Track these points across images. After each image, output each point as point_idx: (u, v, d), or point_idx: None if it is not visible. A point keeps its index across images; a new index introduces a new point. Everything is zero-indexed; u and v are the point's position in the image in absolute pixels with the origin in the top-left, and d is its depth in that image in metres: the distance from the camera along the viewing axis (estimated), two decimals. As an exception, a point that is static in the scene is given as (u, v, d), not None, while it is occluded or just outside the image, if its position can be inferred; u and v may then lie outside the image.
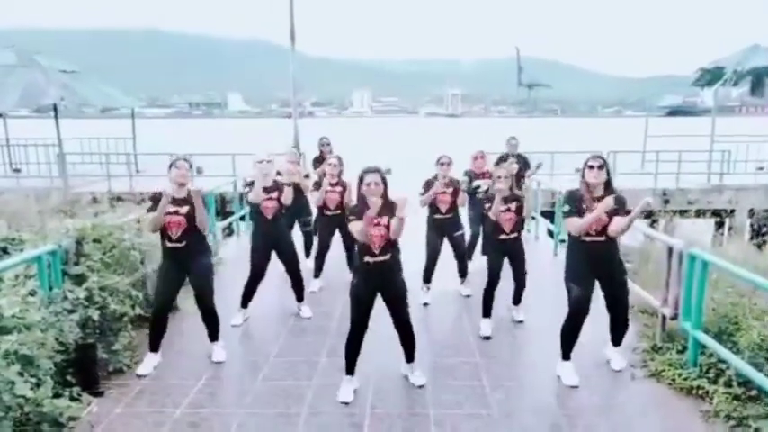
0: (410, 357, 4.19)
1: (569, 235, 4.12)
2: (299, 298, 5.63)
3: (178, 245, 4.25)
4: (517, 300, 5.40)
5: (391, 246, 3.80)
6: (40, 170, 15.04)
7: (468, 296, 6.12)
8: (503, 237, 5.06)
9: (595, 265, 4.06)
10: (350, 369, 4.01)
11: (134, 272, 5.02)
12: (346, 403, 3.85)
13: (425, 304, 5.88)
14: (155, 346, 4.42)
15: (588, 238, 3.96)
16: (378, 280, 3.87)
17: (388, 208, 3.71)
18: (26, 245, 5.13)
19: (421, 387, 4.07)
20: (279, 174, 5.53)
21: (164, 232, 4.27)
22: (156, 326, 4.42)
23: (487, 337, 5.03)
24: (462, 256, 6.13)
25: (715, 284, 4.83)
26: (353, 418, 3.67)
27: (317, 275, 6.42)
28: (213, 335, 4.61)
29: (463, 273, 6.22)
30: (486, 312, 5.17)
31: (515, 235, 5.11)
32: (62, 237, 4.35)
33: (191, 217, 4.22)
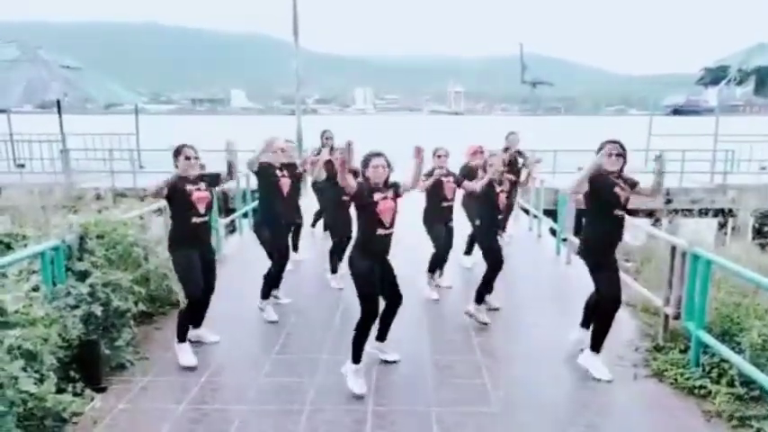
0: (386, 336, 4.34)
1: (596, 217, 4.14)
2: (278, 285, 5.65)
3: (204, 219, 4.40)
4: (490, 288, 5.48)
5: (394, 220, 3.98)
6: (44, 166, 15.05)
7: (449, 287, 6.32)
8: (500, 216, 5.43)
9: (616, 244, 4.18)
10: (359, 357, 4.03)
11: (137, 268, 5.03)
12: (360, 396, 3.87)
13: (436, 300, 5.94)
14: (186, 337, 4.50)
15: (620, 212, 4.06)
16: (381, 252, 4.01)
17: (393, 186, 3.98)
18: (30, 240, 5.15)
19: (395, 362, 4.37)
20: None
21: (191, 209, 4.31)
22: (194, 314, 4.51)
23: (496, 309, 5.50)
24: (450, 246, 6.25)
25: (718, 284, 4.82)
26: (356, 414, 3.68)
27: (335, 271, 6.37)
28: (199, 320, 4.71)
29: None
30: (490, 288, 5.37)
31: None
32: (65, 232, 4.36)
33: (210, 191, 4.46)
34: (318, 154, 7.65)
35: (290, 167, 5.57)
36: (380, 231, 3.91)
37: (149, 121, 22.66)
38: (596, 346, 4.20)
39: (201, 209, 4.37)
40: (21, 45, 15.54)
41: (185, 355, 4.40)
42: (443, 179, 5.82)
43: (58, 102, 14.49)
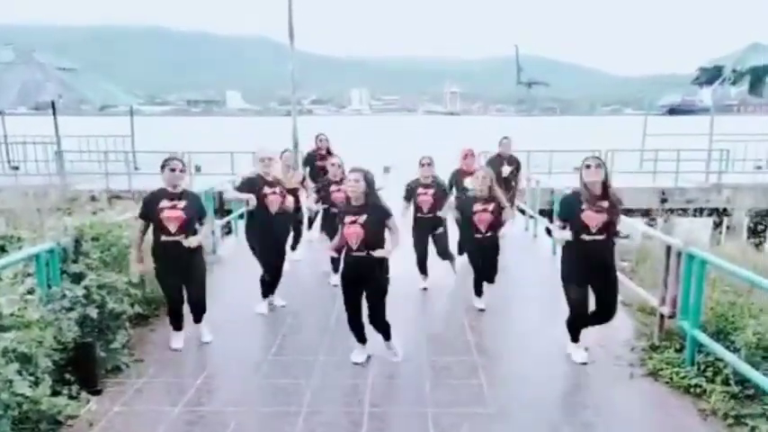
0: (387, 337, 4.45)
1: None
2: (273, 291, 5.67)
3: (175, 239, 4.30)
4: (478, 291, 5.69)
5: (366, 244, 4.05)
6: (39, 168, 15.01)
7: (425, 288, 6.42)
8: (478, 236, 5.40)
9: (593, 265, 4.14)
10: (360, 339, 4.37)
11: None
12: (358, 363, 4.32)
13: (424, 289, 6.23)
14: (179, 327, 4.67)
15: (589, 237, 4.03)
16: (356, 273, 4.16)
17: (371, 207, 4.03)
18: (24, 243, 5.13)
19: (395, 363, 4.41)
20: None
21: (160, 228, 4.30)
22: (176, 314, 4.63)
23: (482, 309, 5.61)
24: (444, 252, 6.40)
25: (713, 283, 4.84)
26: (352, 416, 3.67)
27: (337, 271, 6.41)
28: (198, 318, 4.77)
29: (450, 258, 6.51)
30: (478, 292, 5.70)
31: (490, 234, 5.42)
32: (60, 235, 4.34)
33: (188, 211, 4.32)
34: (311, 155, 7.69)
35: (279, 185, 5.35)
36: (349, 251, 4.12)
37: (144, 122, 22.63)
38: (573, 338, 4.49)
39: (171, 228, 4.26)
40: (16, 48, 15.52)
41: (175, 339, 4.64)
42: (419, 190, 5.94)
43: (53, 103, 14.47)
